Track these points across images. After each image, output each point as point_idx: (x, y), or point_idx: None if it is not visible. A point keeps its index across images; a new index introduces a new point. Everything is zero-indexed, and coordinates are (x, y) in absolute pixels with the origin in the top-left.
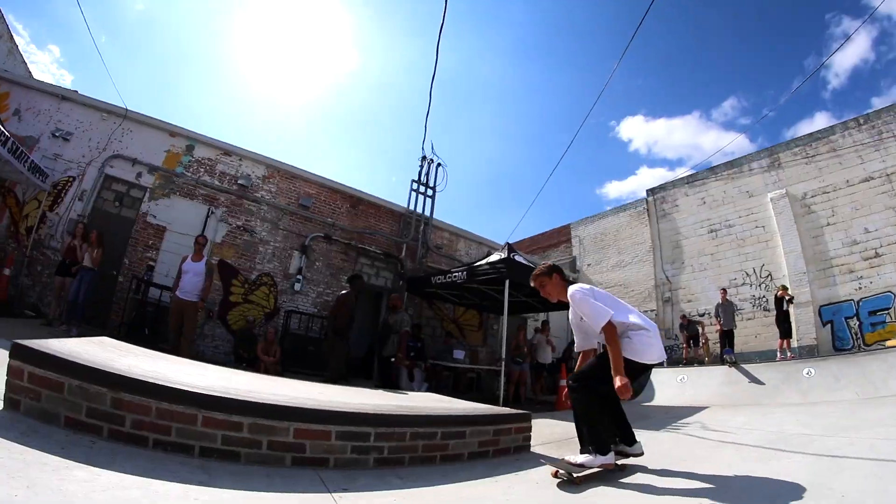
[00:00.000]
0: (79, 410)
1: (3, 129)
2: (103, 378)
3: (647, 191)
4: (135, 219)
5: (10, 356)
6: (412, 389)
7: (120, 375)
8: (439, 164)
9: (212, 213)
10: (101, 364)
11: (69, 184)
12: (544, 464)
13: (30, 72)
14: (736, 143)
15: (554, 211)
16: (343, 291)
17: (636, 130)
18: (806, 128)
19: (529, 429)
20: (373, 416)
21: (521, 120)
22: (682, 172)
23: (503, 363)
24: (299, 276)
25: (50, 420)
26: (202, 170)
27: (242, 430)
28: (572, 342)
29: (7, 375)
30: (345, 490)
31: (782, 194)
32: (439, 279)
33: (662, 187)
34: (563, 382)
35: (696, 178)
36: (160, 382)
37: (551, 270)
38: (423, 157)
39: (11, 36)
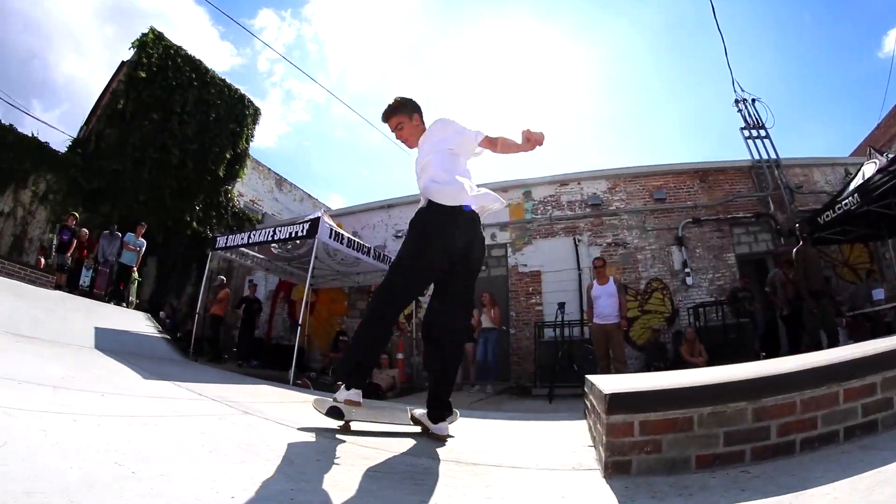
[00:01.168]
0: (714, 443)
1: (361, 242)
2: (740, 390)
3: None
4: (507, 274)
5: (608, 412)
6: None
7: (765, 377)
8: (755, 100)
9: (578, 241)
10: (729, 377)
11: None
12: None
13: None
14: None
15: (845, 108)
16: (796, 247)
17: None
18: None
19: None
20: None
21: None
22: None
23: None
24: (687, 270)
25: (675, 469)
26: (549, 207)
27: (876, 392)
28: None
29: (607, 437)
30: None
31: None
32: (827, 216)
33: None
34: None
35: None
36: (805, 367)
37: (413, 106)
38: (737, 101)
39: (309, 195)
